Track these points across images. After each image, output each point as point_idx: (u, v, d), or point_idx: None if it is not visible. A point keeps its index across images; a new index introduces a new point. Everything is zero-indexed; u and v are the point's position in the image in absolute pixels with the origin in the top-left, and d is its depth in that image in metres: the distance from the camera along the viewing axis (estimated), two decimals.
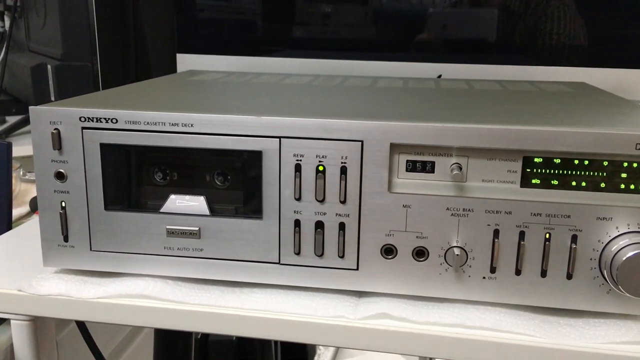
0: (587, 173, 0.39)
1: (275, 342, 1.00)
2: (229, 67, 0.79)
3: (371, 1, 0.78)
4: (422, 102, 0.51)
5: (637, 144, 0.37)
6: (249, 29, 0.81)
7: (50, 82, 1.00)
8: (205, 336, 0.97)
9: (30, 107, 0.42)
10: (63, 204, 0.43)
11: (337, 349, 1.26)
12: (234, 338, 0.98)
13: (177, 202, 0.43)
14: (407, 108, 0.48)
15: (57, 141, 0.42)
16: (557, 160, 0.39)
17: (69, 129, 0.42)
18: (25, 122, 1.13)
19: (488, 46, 0.74)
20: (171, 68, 0.83)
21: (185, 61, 0.80)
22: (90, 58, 0.95)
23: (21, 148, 0.90)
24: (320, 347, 1.25)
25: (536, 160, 0.39)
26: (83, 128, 0.42)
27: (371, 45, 0.78)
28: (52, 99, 1.00)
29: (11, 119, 1.17)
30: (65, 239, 0.44)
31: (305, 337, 0.41)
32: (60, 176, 0.43)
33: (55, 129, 0.42)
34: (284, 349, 1.05)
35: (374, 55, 0.76)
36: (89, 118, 0.42)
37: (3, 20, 1.18)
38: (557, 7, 0.72)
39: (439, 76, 0.74)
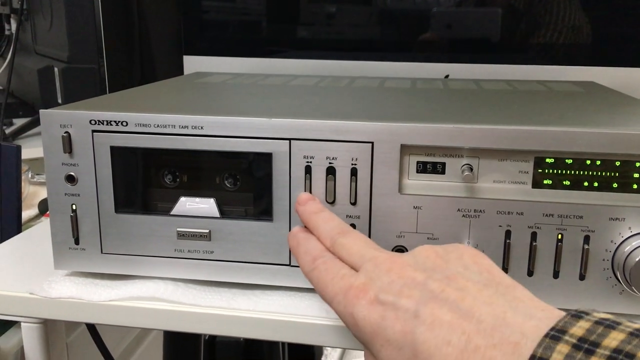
0: (599, 173, 0.39)
1: (283, 342, 1.00)
2: (234, 68, 0.79)
3: (375, 1, 0.78)
4: (431, 103, 0.50)
5: None
6: (255, 30, 0.81)
7: (57, 84, 1.00)
8: (213, 337, 0.97)
9: (41, 111, 0.42)
10: (74, 207, 0.43)
11: (344, 350, 1.26)
12: (242, 339, 0.98)
13: (187, 204, 0.43)
14: (416, 109, 0.48)
15: (68, 144, 0.42)
16: (569, 161, 0.39)
17: (80, 132, 0.42)
18: (32, 124, 1.14)
19: (494, 45, 0.74)
20: (177, 70, 0.83)
21: (191, 63, 0.80)
22: (97, 60, 0.95)
23: (29, 150, 0.91)
24: (327, 348, 1.25)
25: (548, 160, 0.39)
26: (93, 131, 0.42)
27: (376, 45, 0.77)
28: (59, 101, 1.00)
29: (18, 122, 1.18)
30: (76, 242, 0.44)
31: (317, 339, 0.41)
32: (70, 179, 0.43)
33: (66, 132, 0.42)
34: (291, 349, 1.05)
35: (379, 56, 0.76)
36: (99, 121, 0.42)
37: (10, 23, 1.18)
38: (557, 2, 0.71)
39: (446, 76, 0.74)
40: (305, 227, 0.39)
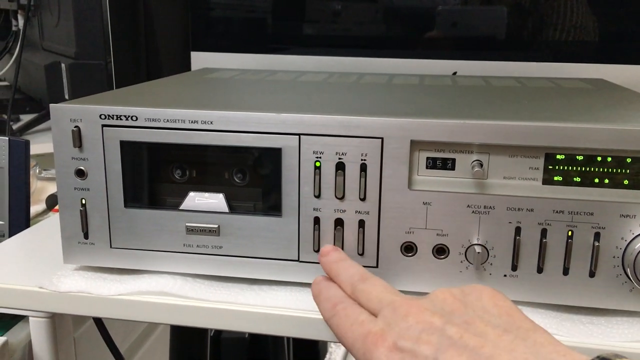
0: (610, 170, 0.38)
1: (288, 339, 1.00)
2: (241, 64, 0.79)
3: None
4: (440, 99, 0.50)
5: None
6: (262, 27, 0.81)
7: (64, 80, 1.00)
8: (219, 333, 0.97)
9: (51, 105, 0.42)
10: (83, 201, 0.43)
11: None
12: (247, 335, 0.98)
13: (196, 199, 0.43)
14: (426, 105, 0.48)
15: (78, 139, 0.42)
16: (580, 157, 0.39)
17: (89, 127, 0.42)
18: (40, 120, 1.14)
19: (500, 43, 0.74)
20: (183, 66, 0.83)
21: (199, 59, 0.80)
22: (104, 56, 0.95)
23: (36, 146, 0.91)
24: (332, 345, 1.25)
25: (558, 157, 0.39)
26: (103, 125, 0.42)
27: (382, 42, 0.77)
28: (66, 97, 1.01)
29: (25, 117, 1.18)
30: (86, 236, 0.44)
31: (323, 334, 0.41)
32: (80, 173, 0.43)
33: (76, 126, 0.42)
34: (296, 346, 1.05)
35: (385, 53, 0.76)
36: (109, 115, 0.42)
37: (17, 19, 1.18)
38: (563, 1, 0.71)
39: (454, 73, 0.74)
40: (328, 276, 0.39)
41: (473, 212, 0.40)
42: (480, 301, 0.32)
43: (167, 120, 0.41)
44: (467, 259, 0.40)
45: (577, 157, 0.39)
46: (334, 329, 0.35)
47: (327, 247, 0.40)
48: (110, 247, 0.44)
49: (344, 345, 0.34)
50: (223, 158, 0.43)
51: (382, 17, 0.77)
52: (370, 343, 0.32)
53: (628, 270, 0.38)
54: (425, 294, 0.42)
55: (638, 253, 0.38)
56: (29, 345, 0.58)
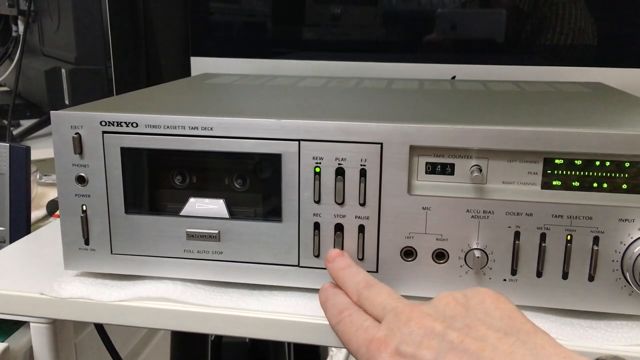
0: (608, 174, 0.39)
1: (289, 343, 1.00)
2: (241, 69, 0.79)
3: (381, 2, 0.78)
4: (439, 104, 0.50)
5: None
6: (261, 32, 0.82)
7: (65, 86, 1.01)
8: (219, 338, 0.97)
9: (52, 112, 0.42)
10: (84, 208, 0.43)
11: None
12: (247, 340, 0.98)
13: (197, 205, 0.43)
14: (425, 110, 0.48)
15: (78, 145, 0.42)
16: (578, 162, 0.39)
17: (90, 133, 0.42)
18: (40, 125, 1.14)
19: (499, 46, 0.74)
20: (183, 71, 0.83)
21: (198, 64, 0.81)
22: (104, 62, 0.95)
23: (36, 151, 0.91)
24: (333, 349, 1.25)
25: (557, 161, 0.39)
26: (104, 132, 0.42)
27: (382, 46, 0.78)
28: (66, 102, 1.01)
29: (25, 123, 1.18)
30: (86, 242, 0.44)
31: (324, 339, 0.41)
32: (81, 180, 0.43)
33: (77, 133, 0.42)
34: (297, 350, 1.05)
35: (384, 57, 0.76)
36: (109, 122, 0.42)
37: (17, 25, 1.19)
38: (563, 3, 0.71)
39: (453, 77, 0.74)
40: (335, 283, 0.40)
41: (472, 216, 0.40)
42: (482, 304, 0.33)
43: (168, 127, 0.42)
44: (466, 264, 0.41)
45: (576, 161, 0.39)
46: (339, 335, 0.36)
47: (333, 252, 0.41)
48: (111, 253, 0.44)
49: (350, 351, 0.35)
50: (223, 164, 0.43)
51: (381, 21, 0.78)
52: (373, 349, 0.32)
53: (627, 274, 0.38)
54: (426, 298, 0.42)
55: (637, 257, 0.38)
56: (30, 351, 0.58)
